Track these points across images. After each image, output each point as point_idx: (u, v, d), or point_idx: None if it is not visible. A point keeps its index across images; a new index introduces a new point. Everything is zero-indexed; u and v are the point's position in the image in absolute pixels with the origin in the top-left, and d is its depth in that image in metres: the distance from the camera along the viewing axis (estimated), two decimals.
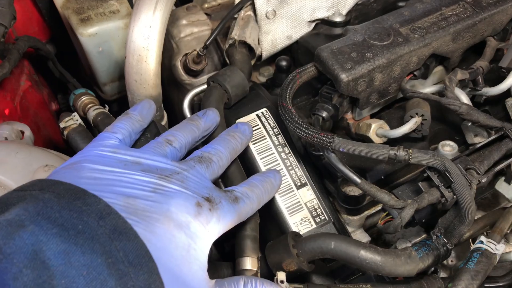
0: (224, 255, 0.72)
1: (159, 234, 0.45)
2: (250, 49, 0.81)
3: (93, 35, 0.69)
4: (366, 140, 0.72)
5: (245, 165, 0.69)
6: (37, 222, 0.38)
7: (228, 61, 0.80)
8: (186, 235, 0.47)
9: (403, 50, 0.69)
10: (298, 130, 0.63)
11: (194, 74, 0.87)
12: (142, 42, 0.61)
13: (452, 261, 0.72)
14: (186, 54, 0.87)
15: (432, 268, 0.61)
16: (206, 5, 0.99)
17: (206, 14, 0.96)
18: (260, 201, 0.59)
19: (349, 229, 0.70)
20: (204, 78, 0.88)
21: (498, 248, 0.59)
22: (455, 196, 0.58)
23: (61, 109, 0.89)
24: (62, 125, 0.67)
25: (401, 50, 0.69)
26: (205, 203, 0.51)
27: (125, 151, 0.54)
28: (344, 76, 0.66)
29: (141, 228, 0.44)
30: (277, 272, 0.57)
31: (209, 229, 0.50)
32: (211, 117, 0.65)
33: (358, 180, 0.60)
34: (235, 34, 0.78)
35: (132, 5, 0.76)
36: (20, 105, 0.73)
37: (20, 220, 0.38)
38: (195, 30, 0.91)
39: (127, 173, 0.49)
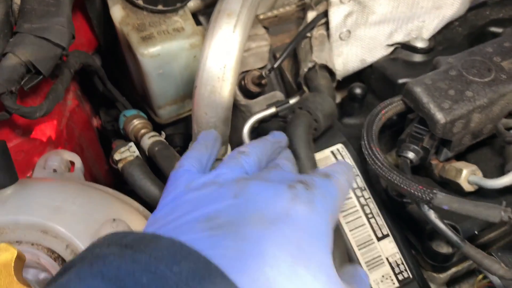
0: None
1: (253, 240, 0.35)
2: (330, 73, 0.73)
3: (155, 56, 0.61)
4: (452, 185, 0.64)
5: None
6: None
7: (306, 86, 0.72)
8: (288, 226, 0.37)
9: (507, 89, 0.60)
10: (390, 179, 0.55)
11: (251, 96, 0.79)
12: (218, 72, 0.53)
13: None
14: (243, 73, 0.79)
15: None
16: (261, 16, 0.91)
17: (264, 27, 0.88)
18: (348, 179, 0.49)
19: (432, 286, 0.63)
20: (260, 99, 0.80)
21: None
22: None
23: (103, 126, 0.81)
24: (117, 156, 0.60)
25: (505, 89, 0.60)
26: (298, 184, 0.41)
27: (198, 178, 0.45)
28: (441, 117, 0.58)
29: (224, 243, 0.35)
30: None
31: (317, 208, 0.40)
32: (277, 134, 0.57)
33: (461, 243, 0.52)
34: (316, 57, 0.69)
35: (197, 22, 0.68)
36: (67, 127, 0.65)
37: None
38: (253, 46, 0.82)
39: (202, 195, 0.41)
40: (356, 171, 0.64)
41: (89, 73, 0.71)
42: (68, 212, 0.46)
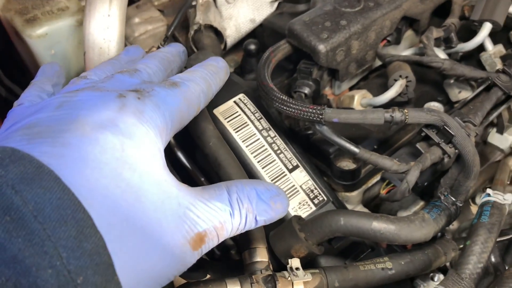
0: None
1: (73, 145, 0.34)
2: (216, 33, 0.76)
3: (43, 36, 0.62)
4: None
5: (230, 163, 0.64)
6: None
7: (195, 48, 0.75)
8: (113, 133, 0.36)
9: (376, 14, 0.67)
10: (284, 108, 0.58)
11: None
12: (102, 34, 0.55)
13: (453, 225, 0.70)
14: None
15: (439, 234, 0.59)
16: (156, 2, 0.94)
17: (159, 10, 0.91)
18: (209, 83, 0.50)
19: (348, 206, 0.67)
20: None
21: (506, 198, 0.57)
22: (457, 151, 0.56)
23: None
24: None
25: (374, 14, 0.67)
26: (130, 94, 0.40)
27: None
28: (322, 47, 0.63)
29: (42, 149, 0.33)
30: (289, 260, 0.52)
31: (147, 118, 0.39)
32: (132, 50, 0.56)
33: (356, 150, 0.57)
34: (199, 18, 0.73)
35: None
36: None
37: None
38: (150, 28, 0.85)
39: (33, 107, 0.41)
40: (260, 115, 0.68)
41: None
42: None
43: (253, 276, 0.50)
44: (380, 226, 0.53)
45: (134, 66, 0.48)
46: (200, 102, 0.48)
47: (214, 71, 0.52)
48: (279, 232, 0.56)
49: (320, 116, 0.56)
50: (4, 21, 0.65)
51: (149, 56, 0.52)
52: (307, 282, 0.51)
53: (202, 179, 0.68)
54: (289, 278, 0.50)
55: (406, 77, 0.66)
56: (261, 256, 0.52)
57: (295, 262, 0.52)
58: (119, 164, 0.35)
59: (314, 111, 0.56)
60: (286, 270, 0.51)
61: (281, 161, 0.65)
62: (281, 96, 0.59)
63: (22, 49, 0.66)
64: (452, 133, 0.54)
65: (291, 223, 0.55)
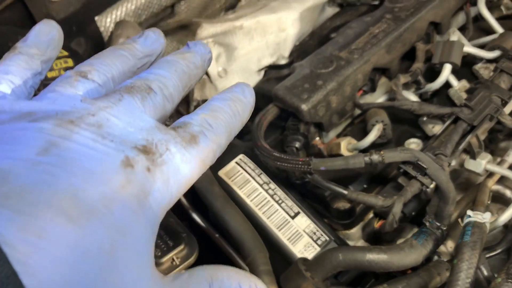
0: None
1: (50, 236, 0.25)
2: None
3: None
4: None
5: (230, 228, 0.70)
6: None
7: None
8: (105, 226, 0.27)
9: (348, 71, 0.77)
10: (278, 163, 0.67)
11: None
12: None
13: (451, 247, 0.76)
14: None
15: (436, 257, 0.66)
16: None
17: None
18: (231, 130, 0.40)
19: (350, 243, 0.74)
20: None
21: (485, 217, 0.63)
22: (433, 182, 0.63)
23: None
24: None
25: (346, 71, 0.76)
26: (139, 160, 0.31)
27: (11, 104, 0.33)
28: (304, 106, 0.73)
29: (8, 232, 0.24)
30: None
31: (151, 203, 0.31)
32: (153, 38, 0.43)
33: (345, 192, 0.65)
34: (197, 95, 0.84)
35: None
36: None
37: None
38: None
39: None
40: (260, 171, 0.76)
41: None
42: None
43: None
44: (373, 257, 0.60)
45: (149, 80, 0.37)
46: (215, 159, 0.39)
47: (240, 112, 0.42)
48: (287, 275, 0.63)
49: (309, 167, 0.65)
50: None
51: (169, 67, 0.39)
52: None
53: (217, 235, 0.76)
54: None
55: (382, 121, 0.75)
56: None
57: None
58: (102, 275, 0.26)
59: (303, 163, 0.65)
60: None
61: (283, 209, 0.73)
62: (274, 153, 0.68)
63: None
64: (425, 166, 0.62)
65: (297, 265, 0.63)
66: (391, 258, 0.60)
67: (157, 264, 0.60)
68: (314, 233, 0.71)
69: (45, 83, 0.76)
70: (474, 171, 0.71)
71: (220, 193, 0.69)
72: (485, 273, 0.65)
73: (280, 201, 0.73)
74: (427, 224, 0.64)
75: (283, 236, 0.70)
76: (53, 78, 0.75)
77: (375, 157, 0.64)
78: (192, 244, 0.62)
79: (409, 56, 0.86)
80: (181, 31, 1.11)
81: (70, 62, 0.79)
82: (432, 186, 0.64)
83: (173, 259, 0.60)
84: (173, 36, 1.10)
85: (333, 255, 0.61)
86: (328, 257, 0.62)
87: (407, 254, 0.60)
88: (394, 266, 0.60)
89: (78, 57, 0.80)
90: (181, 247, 0.61)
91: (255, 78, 0.91)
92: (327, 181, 0.66)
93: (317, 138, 0.81)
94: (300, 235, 0.71)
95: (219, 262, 0.69)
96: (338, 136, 0.83)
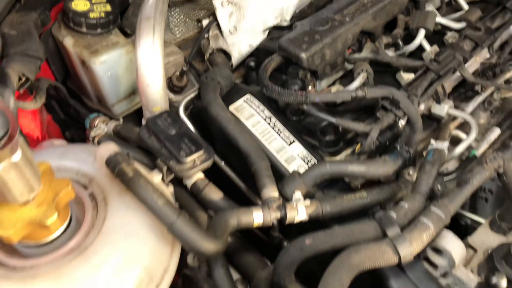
0: None
1: None
2: (226, 55, 1.02)
3: (103, 62, 0.86)
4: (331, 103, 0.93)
5: (240, 143, 0.85)
6: None
7: (210, 66, 1.00)
8: None
9: (341, 30, 0.92)
10: (282, 96, 0.82)
11: (179, 91, 1.06)
12: (148, 53, 0.80)
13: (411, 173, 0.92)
14: (169, 78, 1.06)
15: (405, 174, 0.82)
16: (173, 42, 1.20)
17: (177, 46, 1.17)
18: None
19: None
20: (187, 94, 1.06)
21: (444, 145, 0.80)
22: (405, 115, 0.79)
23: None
24: (92, 133, 0.83)
25: (339, 30, 0.92)
26: None
27: None
28: (303, 54, 0.88)
29: None
30: (294, 193, 0.74)
31: None
32: None
33: (333, 119, 0.80)
34: (212, 44, 0.98)
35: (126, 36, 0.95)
36: (48, 134, 0.87)
37: None
38: (171, 59, 1.10)
39: None
40: (263, 107, 0.91)
41: (50, 97, 0.95)
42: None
43: (269, 205, 0.72)
44: (354, 168, 0.76)
45: None
46: None
47: None
48: (285, 180, 0.78)
49: (306, 98, 0.80)
50: (74, 56, 0.90)
51: None
52: (308, 207, 0.72)
53: (223, 162, 0.90)
54: (295, 205, 0.72)
55: (366, 70, 0.90)
56: (274, 192, 0.73)
57: (298, 195, 0.73)
58: None
59: (301, 95, 0.80)
60: None
61: (282, 138, 0.88)
62: (278, 89, 0.83)
63: (86, 74, 0.91)
64: (399, 100, 0.78)
65: (292, 173, 0.78)
66: (368, 168, 0.75)
67: (181, 163, 0.74)
68: (306, 157, 0.86)
69: (88, 22, 0.90)
70: (438, 114, 0.87)
71: (232, 118, 0.84)
72: (440, 189, 0.81)
73: (279, 132, 0.88)
74: (398, 147, 0.79)
75: (281, 158, 0.85)
76: (95, 19, 0.89)
77: (360, 92, 0.79)
78: (210, 151, 0.77)
79: (391, 27, 1.03)
80: (189, 4, 1.24)
81: (108, 7, 0.93)
82: (402, 122, 0.80)
83: (194, 160, 0.75)
84: (181, 8, 1.24)
85: (322, 166, 0.76)
86: (318, 168, 0.77)
87: (381, 166, 0.76)
88: (370, 175, 0.76)
89: (114, 4, 0.94)
90: (201, 152, 0.75)
91: (260, 37, 1.06)
92: (319, 111, 0.81)
93: (312, 87, 0.96)
94: (294, 158, 0.86)
95: (223, 186, 0.82)
96: (329, 87, 0.99)
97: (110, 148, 0.66)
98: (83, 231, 0.61)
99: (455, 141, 0.91)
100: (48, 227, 0.56)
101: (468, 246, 0.77)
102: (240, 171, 0.91)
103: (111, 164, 0.65)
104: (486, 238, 0.79)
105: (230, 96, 0.95)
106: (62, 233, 0.61)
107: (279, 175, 0.85)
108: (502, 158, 0.74)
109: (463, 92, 0.94)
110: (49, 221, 0.55)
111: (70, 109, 0.97)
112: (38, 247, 0.60)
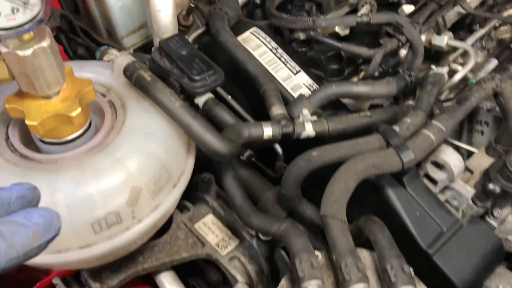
0: None
1: None
2: None
3: None
4: (335, 35, 0.96)
5: (248, 67, 0.88)
6: None
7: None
8: None
9: None
10: (289, 23, 0.85)
11: (185, 30, 1.08)
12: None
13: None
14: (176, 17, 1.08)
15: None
16: None
17: None
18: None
19: None
20: (193, 34, 1.08)
21: (444, 70, 0.83)
22: (407, 41, 0.82)
23: None
24: (106, 58, 0.85)
25: None
26: None
27: None
28: None
29: None
30: (301, 111, 0.77)
31: None
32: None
33: (339, 44, 0.84)
34: None
35: None
36: None
37: None
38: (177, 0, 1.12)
39: None
40: (270, 39, 0.94)
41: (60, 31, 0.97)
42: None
43: (278, 120, 0.75)
44: (359, 88, 0.79)
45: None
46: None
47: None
48: (293, 102, 0.81)
49: (313, 23, 0.83)
50: None
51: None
52: (314, 123, 0.76)
53: (229, 96, 0.93)
54: (302, 121, 0.76)
55: (370, 2, 0.93)
56: (282, 110, 0.76)
57: (305, 112, 0.77)
58: None
59: (308, 21, 0.83)
60: None
61: (288, 68, 0.91)
62: (286, 16, 0.86)
63: (97, 5, 0.93)
64: (402, 24, 0.81)
65: (300, 95, 0.81)
66: (372, 88, 0.79)
67: (193, 81, 0.77)
68: (311, 85, 0.89)
69: None
70: (438, 45, 0.91)
71: (240, 44, 0.87)
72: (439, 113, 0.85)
73: (285, 62, 0.91)
74: (401, 71, 0.83)
75: (288, 86, 0.88)
76: None
77: (365, 17, 0.82)
78: (220, 72, 0.79)
79: None
80: None
81: None
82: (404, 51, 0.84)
83: (206, 79, 0.77)
84: None
85: (328, 87, 0.80)
86: (324, 89, 0.80)
87: (385, 86, 0.79)
88: (374, 95, 0.79)
89: None
90: (212, 71, 0.78)
91: None
92: (325, 36, 0.84)
93: None
94: (301, 86, 0.89)
95: None
96: None
97: (128, 57, 0.69)
98: (104, 131, 0.64)
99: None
100: (73, 121, 0.59)
101: (466, 169, 0.82)
102: (246, 106, 0.94)
103: (129, 71, 0.68)
104: (482, 161, 0.84)
105: (236, 30, 0.97)
106: (83, 133, 0.64)
107: (286, 102, 0.88)
108: (499, 78, 0.78)
109: (462, 30, 0.98)
110: (73, 113, 0.58)
111: (78, 47, 0.99)
112: (61, 145, 0.63)
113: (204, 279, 0.94)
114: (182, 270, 0.88)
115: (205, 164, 0.90)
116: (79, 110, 0.59)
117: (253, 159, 1.03)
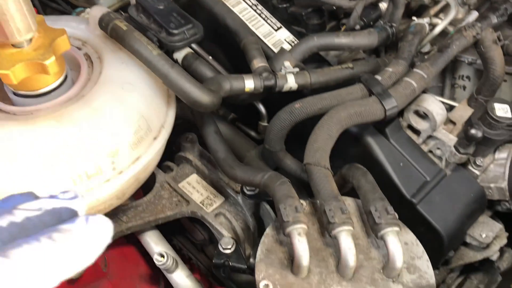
0: None
1: None
2: None
3: None
4: None
5: (228, 21, 0.86)
6: None
7: None
8: None
9: None
10: None
11: None
12: None
13: None
14: None
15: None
16: None
17: None
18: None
19: None
20: None
21: (425, 21, 0.83)
22: None
23: None
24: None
25: None
26: None
27: None
28: None
29: None
30: (284, 64, 0.76)
31: None
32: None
33: None
34: None
35: None
36: None
37: None
38: None
39: None
40: None
41: None
42: None
43: (259, 73, 0.74)
44: (340, 39, 0.78)
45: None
46: None
47: None
48: (274, 56, 0.80)
49: None
50: None
51: None
52: (296, 74, 0.75)
53: (210, 58, 0.91)
54: (284, 73, 0.75)
55: None
56: (263, 62, 0.75)
57: (287, 64, 0.76)
58: None
59: None
60: None
61: (269, 24, 0.89)
62: None
63: None
64: None
65: (282, 50, 0.80)
66: (354, 39, 0.78)
67: (172, 35, 0.75)
68: (293, 42, 0.88)
69: None
70: None
71: (220, 0, 0.85)
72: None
73: (266, 18, 0.90)
74: (382, 22, 0.82)
75: (269, 42, 0.87)
76: None
77: None
78: (199, 27, 0.78)
79: None
80: None
81: None
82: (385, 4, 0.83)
83: (184, 33, 0.76)
84: None
85: (310, 39, 0.79)
86: (305, 41, 0.79)
87: (367, 36, 0.79)
88: (356, 45, 0.78)
89: None
90: (190, 25, 0.76)
91: None
92: None
93: None
94: (282, 42, 0.88)
95: None
96: None
97: (103, 8, 0.67)
98: (80, 83, 0.63)
99: None
100: (47, 69, 0.57)
101: (448, 120, 0.82)
102: (229, 68, 0.92)
103: (104, 21, 0.66)
104: (464, 113, 0.84)
105: None
106: (59, 85, 0.62)
107: (268, 58, 0.87)
108: (480, 26, 0.77)
109: None
110: (47, 61, 0.56)
111: (53, 12, 0.96)
112: (36, 98, 0.61)
113: (190, 239, 0.93)
114: (167, 231, 0.88)
115: (189, 128, 0.90)
116: (53, 58, 0.57)
117: (236, 122, 1.02)
